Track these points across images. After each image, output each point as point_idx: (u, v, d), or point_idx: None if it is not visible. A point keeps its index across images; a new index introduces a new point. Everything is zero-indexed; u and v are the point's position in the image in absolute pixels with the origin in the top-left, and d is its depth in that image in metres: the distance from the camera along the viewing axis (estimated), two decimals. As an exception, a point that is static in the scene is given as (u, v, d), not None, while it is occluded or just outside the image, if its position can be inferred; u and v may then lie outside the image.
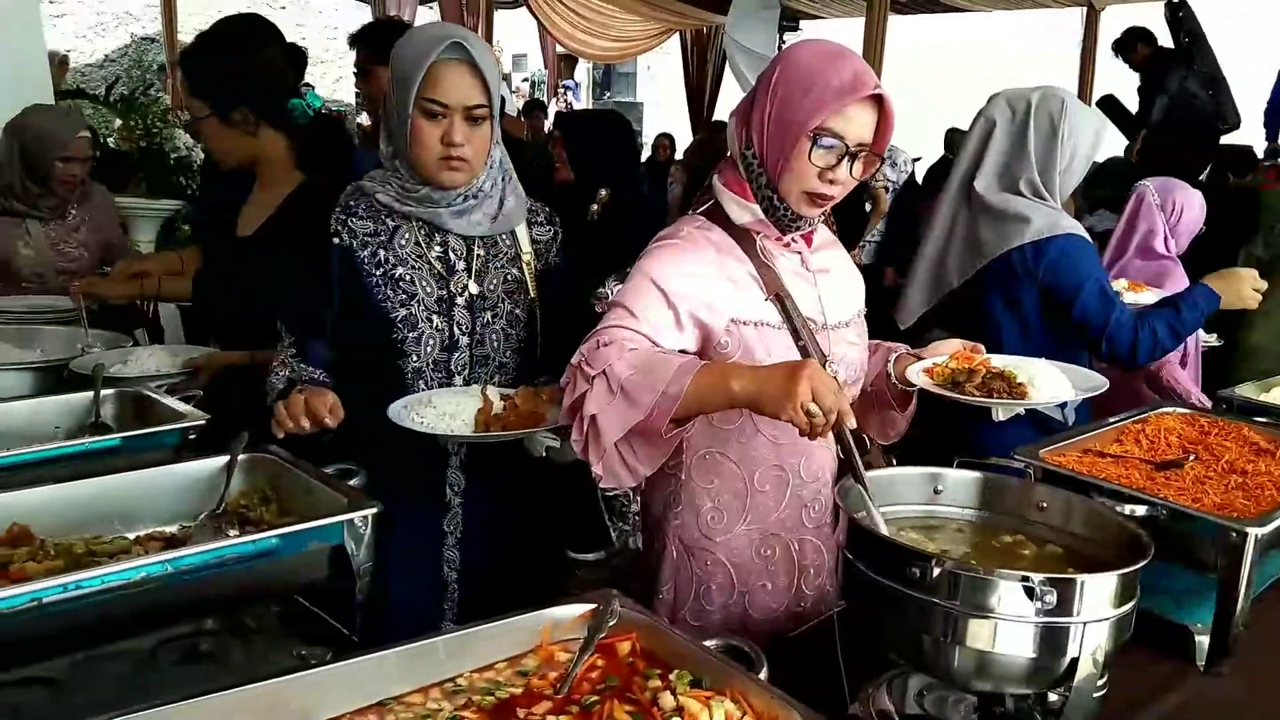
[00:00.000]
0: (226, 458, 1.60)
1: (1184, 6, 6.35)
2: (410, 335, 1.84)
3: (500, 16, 10.39)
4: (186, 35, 9.00)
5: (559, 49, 12.70)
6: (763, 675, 1.10)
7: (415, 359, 1.85)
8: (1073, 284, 2.40)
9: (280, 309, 1.92)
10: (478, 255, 1.90)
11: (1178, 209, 3.40)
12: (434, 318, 1.85)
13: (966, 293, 2.59)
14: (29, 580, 1.22)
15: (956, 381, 1.75)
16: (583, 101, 16.15)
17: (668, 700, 1.06)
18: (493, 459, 1.91)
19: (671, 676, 1.11)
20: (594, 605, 1.22)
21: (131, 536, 1.49)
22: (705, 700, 1.05)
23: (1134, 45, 6.65)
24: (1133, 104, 6.71)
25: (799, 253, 1.72)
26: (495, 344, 1.91)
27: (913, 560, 1.24)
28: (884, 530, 1.39)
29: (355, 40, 3.17)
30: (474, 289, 1.88)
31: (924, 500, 1.56)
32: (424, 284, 1.85)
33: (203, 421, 1.83)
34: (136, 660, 1.42)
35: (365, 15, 9.15)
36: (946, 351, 1.84)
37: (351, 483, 1.55)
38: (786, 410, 1.36)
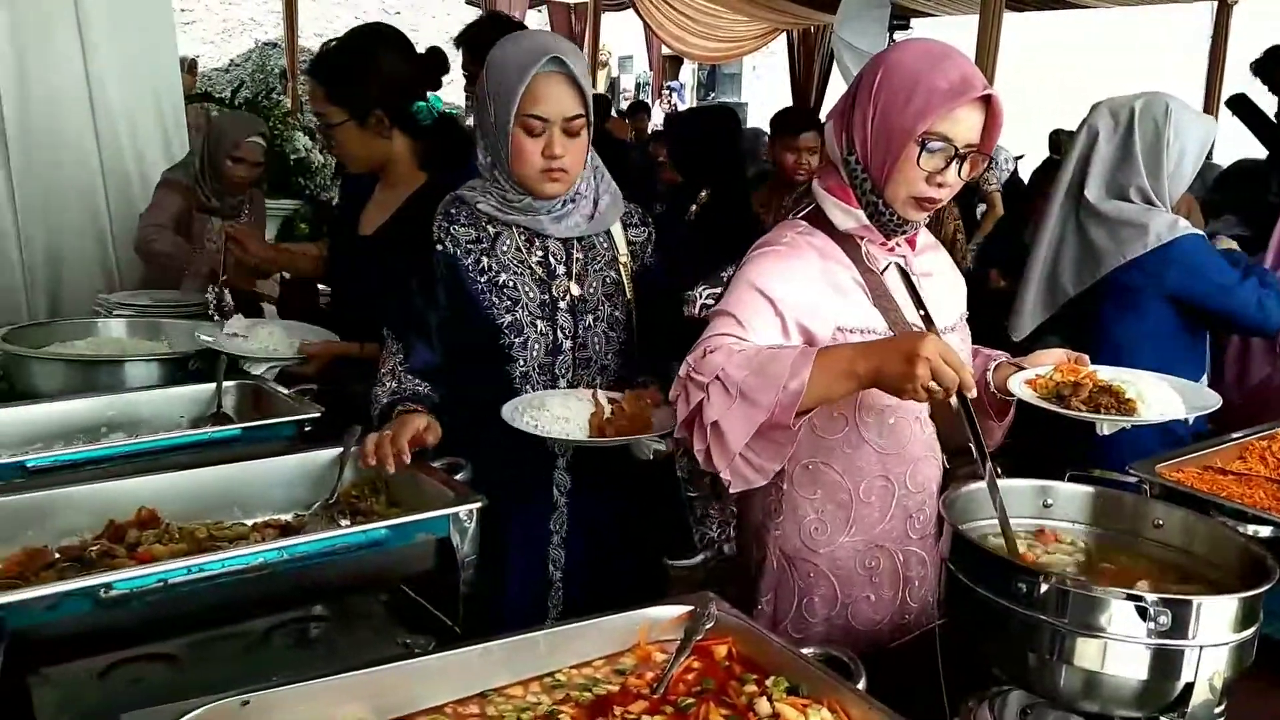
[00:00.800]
0: (340, 449, 1.65)
1: None
2: (516, 340, 1.86)
3: (607, 19, 10.49)
4: (306, 40, 9.33)
5: (665, 50, 12.74)
6: (861, 685, 1.09)
7: (521, 364, 1.87)
8: (1214, 282, 2.41)
9: (389, 312, 1.95)
10: (576, 259, 1.91)
11: None
12: (538, 322, 1.87)
13: (1080, 301, 2.53)
14: (156, 561, 1.29)
15: (1061, 394, 1.69)
16: (687, 102, 16.17)
17: (764, 706, 1.06)
18: (599, 460, 1.91)
19: (768, 682, 1.11)
20: (691, 607, 1.23)
21: (249, 523, 1.57)
22: (802, 708, 1.05)
23: (1276, 67, 6.20)
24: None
25: (903, 256, 1.69)
26: (597, 347, 1.92)
27: (1018, 574, 1.21)
28: (1008, 523, 1.35)
29: (460, 41, 3.16)
30: (575, 291, 1.90)
31: (1033, 514, 1.52)
32: (527, 289, 1.87)
33: (318, 414, 1.91)
34: (250, 642, 1.49)
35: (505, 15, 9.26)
36: (1049, 361, 1.78)
37: (458, 476, 1.59)
38: (908, 392, 1.36)
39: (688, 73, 16.77)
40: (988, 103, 1.56)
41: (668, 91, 14.77)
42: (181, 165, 3.64)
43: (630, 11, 11.00)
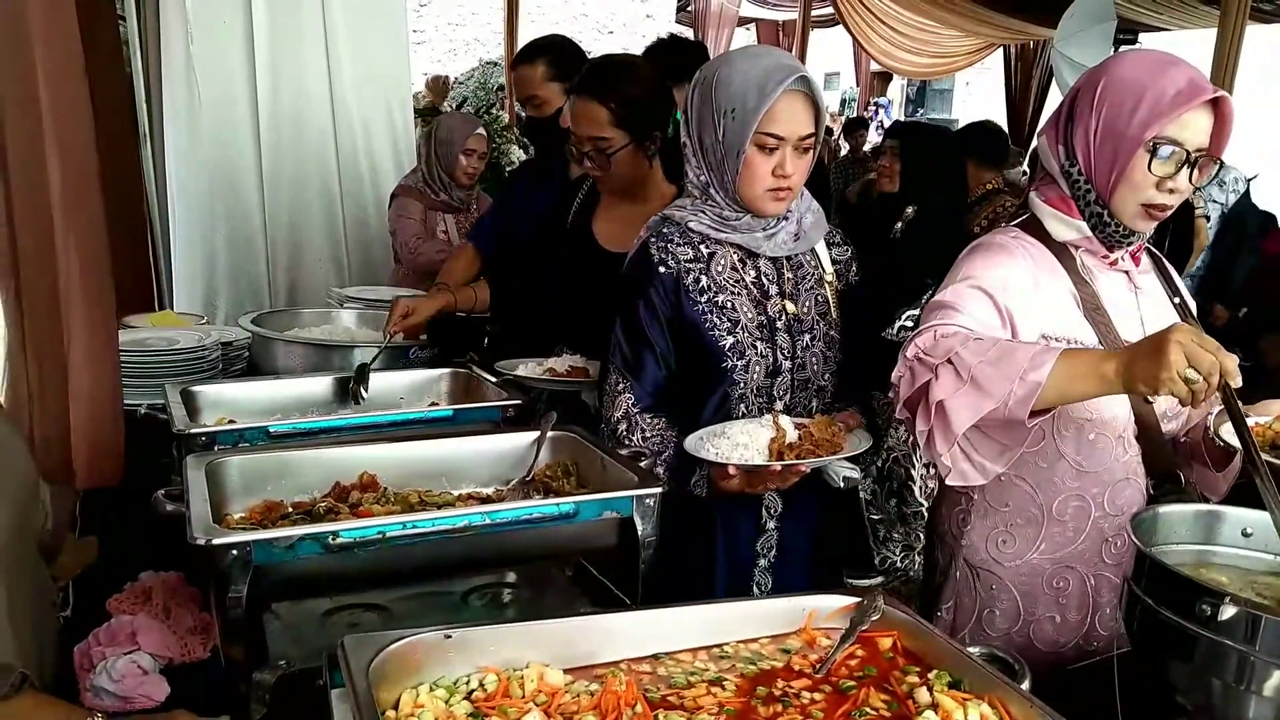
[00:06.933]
0: (537, 433, 1.78)
1: None
2: (739, 363, 1.82)
3: (814, 35, 10.46)
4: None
5: (873, 66, 12.58)
6: (1025, 686, 1.09)
7: (741, 385, 1.83)
8: None
9: (617, 339, 1.89)
10: (787, 278, 1.88)
11: None
12: (758, 344, 1.83)
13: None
14: (375, 517, 1.45)
15: (1277, 445, 1.60)
16: (893, 119, 15.84)
17: (923, 696, 1.09)
18: (805, 486, 1.82)
19: (930, 675, 1.14)
20: (858, 599, 1.27)
21: (455, 493, 1.71)
22: (962, 701, 1.07)
23: None
24: None
25: (1125, 271, 1.66)
26: (815, 367, 1.88)
27: (1203, 596, 1.18)
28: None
29: (646, 59, 3.15)
30: (791, 309, 1.87)
31: (1230, 543, 1.46)
32: (745, 309, 1.84)
33: (520, 401, 2.05)
34: (451, 601, 1.64)
35: (686, 36, 9.48)
36: (1276, 411, 1.69)
37: (642, 464, 1.68)
38: (1164, 384, 1.27)
39: (896, 89, 16.44)
40: (1216, 107, 1.52)
41: (874, 108, 14.55)
42: (410, 174, 3.96)
43: (839, 28, 10.94)
